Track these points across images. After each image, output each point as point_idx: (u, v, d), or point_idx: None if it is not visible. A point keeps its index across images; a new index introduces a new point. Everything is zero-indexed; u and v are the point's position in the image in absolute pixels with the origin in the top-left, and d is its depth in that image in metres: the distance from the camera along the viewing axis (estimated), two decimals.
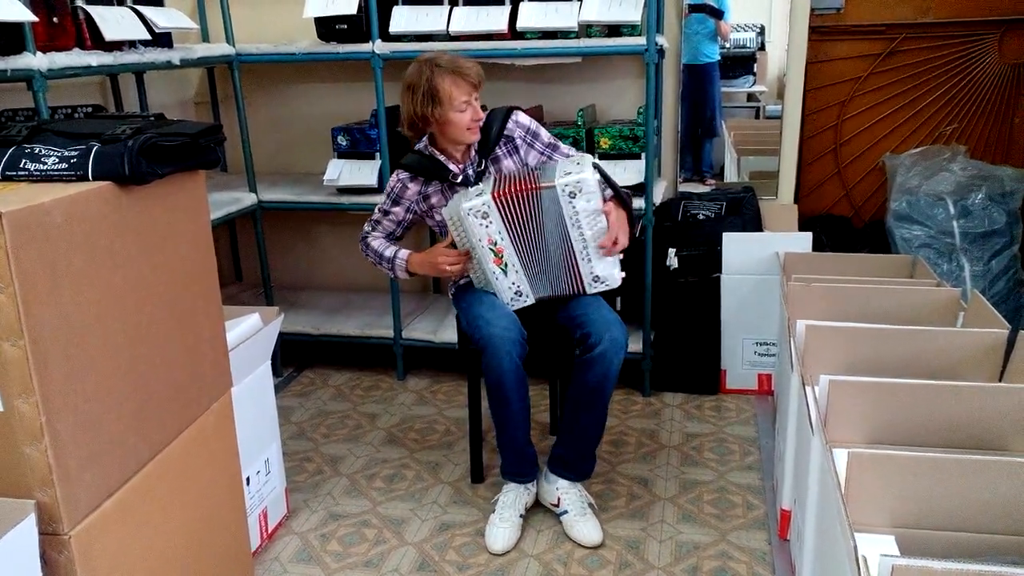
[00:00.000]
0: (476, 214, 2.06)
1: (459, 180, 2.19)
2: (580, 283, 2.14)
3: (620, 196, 2.13)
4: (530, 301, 2.17)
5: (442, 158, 2.19)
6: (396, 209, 2.28)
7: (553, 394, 2.69)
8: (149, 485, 1.53)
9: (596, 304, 2.14)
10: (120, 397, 1.44)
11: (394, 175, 2.26)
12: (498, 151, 2.22)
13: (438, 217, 2.23)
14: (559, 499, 2.20)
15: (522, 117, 2.23)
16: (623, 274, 2.15)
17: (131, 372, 1.47)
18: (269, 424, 2.19)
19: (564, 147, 2.26)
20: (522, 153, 2.23)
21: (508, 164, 2.22)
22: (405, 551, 2.15)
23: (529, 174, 2.11)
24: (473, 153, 2.20)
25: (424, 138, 2.23)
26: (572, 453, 2.19)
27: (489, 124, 2.19)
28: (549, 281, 2.16)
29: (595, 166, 2.08)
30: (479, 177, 2.19)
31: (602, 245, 2.07)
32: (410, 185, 2.24)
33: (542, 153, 2.24)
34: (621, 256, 2.15)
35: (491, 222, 2.07)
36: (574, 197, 2.03)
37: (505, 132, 2.20)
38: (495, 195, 2.05)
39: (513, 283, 2.14)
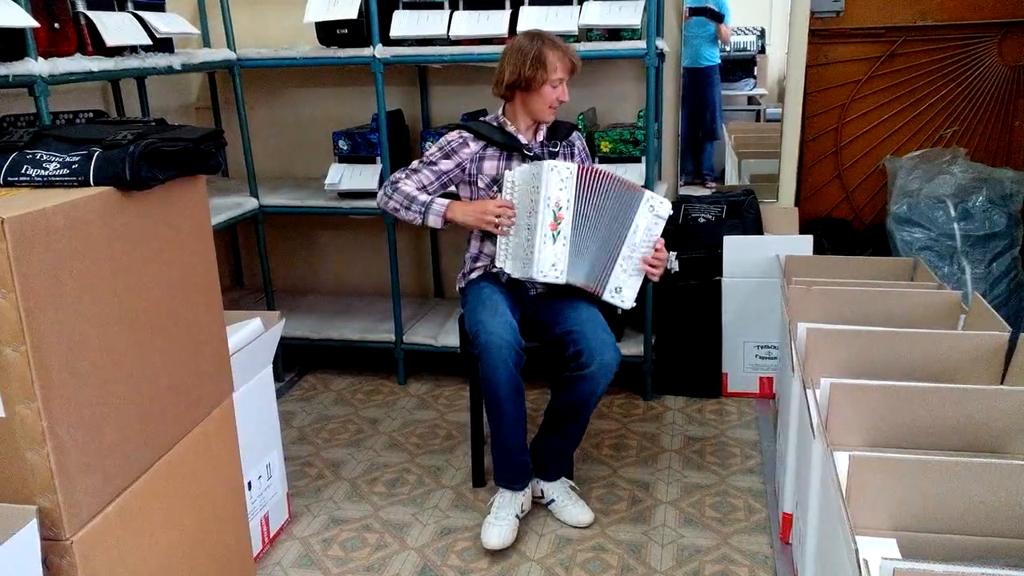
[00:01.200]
0: (559, 173, 2.10)
1: (531, 153, 2.26)
2: (604, 284, 2.16)
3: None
4: (560, 280, 2.14)
5: (512, 129, 2.27)
6: (445, 163, 2.27)
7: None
8: (151, 490, 1.53)
9: (593, 323, 2.14)
10: (122, 402, 1.44)
11: (455, 132, 2.29)
12: (561, 148, 2.32)
13: (481, 184, 2.26)
14: (542, 491, 2.28)
15: (580, 138, 2.40)
16: (635, 303, 2.20)
17: (132, 377, 1.47)
18: (270, 429, 2.19)
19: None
20: (577, 161, 2.33)
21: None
22: (407, 556, 2.14)
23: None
24: (542, 136, 2.30)
25: (492, 114, 2.32)
26: (549, 456, 2.26)
27: (556, 124, 2.32)
28: (588, 270, 2.16)
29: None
30: (552, 156, 2.27)
31: (644, 259, 2.15)
32: (471, 144, 2.27)
33: None
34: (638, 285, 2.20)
35: (566, 188, 2.11)
36: (652, 210, 2.15)
37: (570, 138, 2.36)
38: (580, 170, 2.13)
39: (555, 253, 2.12)
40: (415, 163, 2.29)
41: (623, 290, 2.17)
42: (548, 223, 2.11)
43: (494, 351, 2.04)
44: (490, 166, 2.26)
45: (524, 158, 2.25)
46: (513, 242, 2.18)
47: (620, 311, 2.22)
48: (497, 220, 2.17)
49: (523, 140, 2.26)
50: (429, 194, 2.26)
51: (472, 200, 2.28)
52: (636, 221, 2.14)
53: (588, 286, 2.16)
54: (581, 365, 2.08)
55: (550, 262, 2.12)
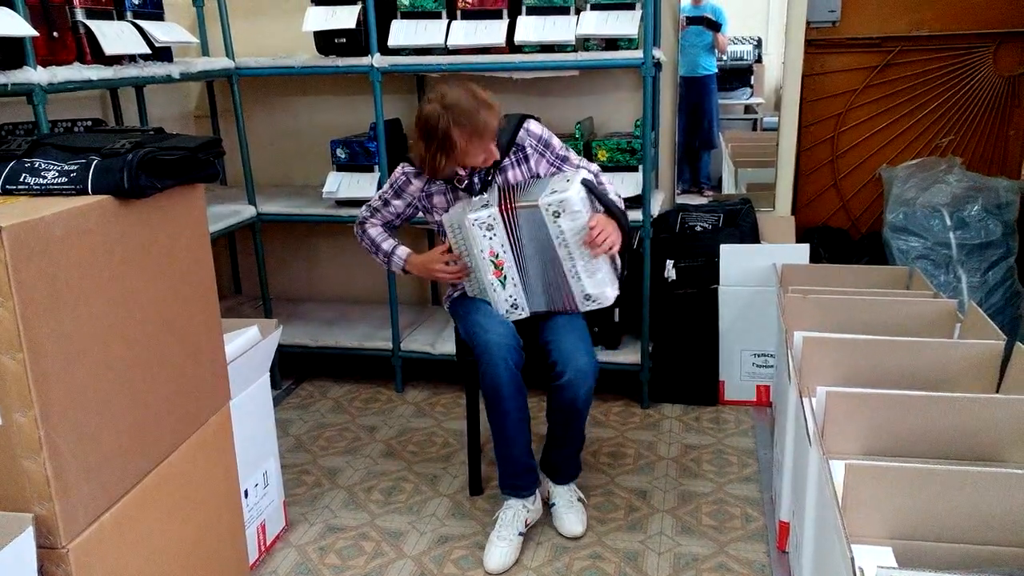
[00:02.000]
0: (481, 226, 2.07)
1: (464, 185, 2.17)
2: (573, 301, 2.15)
3: (612, 212, 2.09)
4: (525, 314, 2.17)
5: None
6: (396, 202, 2.26)
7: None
8: (147, 498, 1.53)
9: (567, 330, 2.13)
10: (119, 410, 1.44)
11: (399, 168, 2.24)
12: (507, 160, 2.17)
13: (438, 217, 2.23)
14: (549, 492, 2.28)
15: (533, 126, 2.19)
16: (617, 292, 2.14)
17: (130, 385, 1.47)
18: (267, 437, 2.19)
19: (574, 158, 2.22)
20: (532, 162, 2.19)
21: (515, 174, 2.19)
22: (403, 564, 2.14)
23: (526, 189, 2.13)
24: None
25: None
26: (556, 459, 2.26)
27: (499, 131, 2.13)
28: (545, 296, 2.16)
29: (585, 183, 2.07)
30: (484, 187, 2.17)
31: (586, 243, 2.03)
32: (414, 181, 2.22)
33: (551, 163, 2.21)
34: (618, 274, 2.16)
35: (495, 235, 2.08)
36: (558, 217, 2.02)
37: (516, 140, 2.17)
38: (502, 208, 2.06)
39: (511, 296, 2.15)
40: (376, 200, 2.29)
41: (592, 295, 2.11)
42: (491, 272, 2.12)
43: (494, 350, 2.04)
44: (439, 200, 2.22)
45: (457, 191, 2.19)
46: (474, 280, 2.19)
47: (618, 315, 2.22)
48: (446, 273, 2.19)
49: (459, 172, 2.14)
50: (395, 229, 2.33)
51: (436, 227, 2.28)
52: (553, 234, 2.04)
53: (562, 308, 2.16)
54: (557, 375, 2.08)
55: (508, 304, 2.15)
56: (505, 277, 2.12)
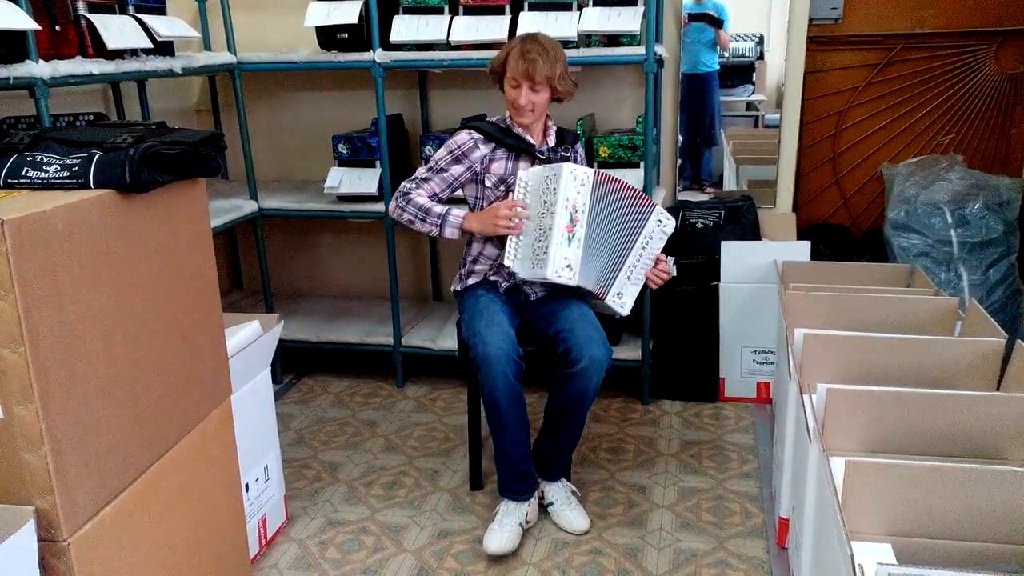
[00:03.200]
0: (576, 178, 2.11)
1: (543, 156, 2.26)
2: (608, 288, 2.18)
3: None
4: (573, 282, 2.14)
5: (520, 131, 2.25)
6: (456, 167, 2.25)
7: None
8: (148, 492, 1.54)
9: (582, 320, 2.15)
10: (120, 404, 1.44)
11: (464, 133, 2.25)
12: (571, 153, 2.33)
13: (488, 183, 2.25)
14: (543, 492, 2.28)
15: (581, 149, 2.41)
16: (630, 312, 2.23)
17: (131, 379, 1.47)
18: (268, 431, 2.19)
19: None
20: None
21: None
22: (403, 558, 2.15)
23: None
24: (552, 141, 2.29)
25: (506, 112, 2.28)
26: (550, 455, 2.26)
27: (563, 131, 2.35)
28: (595, 274, 2.17)
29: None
30: (562, 159, 2.27)
31: (647, 270, 2.19)
32: (481, 146, 2.25)
33: None
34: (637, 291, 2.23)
35: (582, 192, 2.12)
36: (660, 224, 2.19)
37: (575, 147, 2.36)
38: (598, 174, 2.14)
39: (569, 256, 2.12)
40: (422, 171, 2.27)
41: (624, 296, 2.20)
42: (564, 225, 2.11)
43: (492, 363, 2.05)
44: (498, 167, 2.26)
45: (535, 160, 2.26)
46: (523, 242, 2.18)
47: (618, 316, 2.23)
48: (511, 222, 2.17)
49: (532, 142, 2.26)
50: (442, 201, 2.27)
51: (476, 198, 2.29)
52: (645, 232, 2.18)
53: (596, 289, 2.18)
54: (571, 362, 2.09)
55: (565, 263, 2.12)
56: (574, 235, 2.13)
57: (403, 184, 2.27)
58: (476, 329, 2.12)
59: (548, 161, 2.25)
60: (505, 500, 2.21)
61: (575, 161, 2.33)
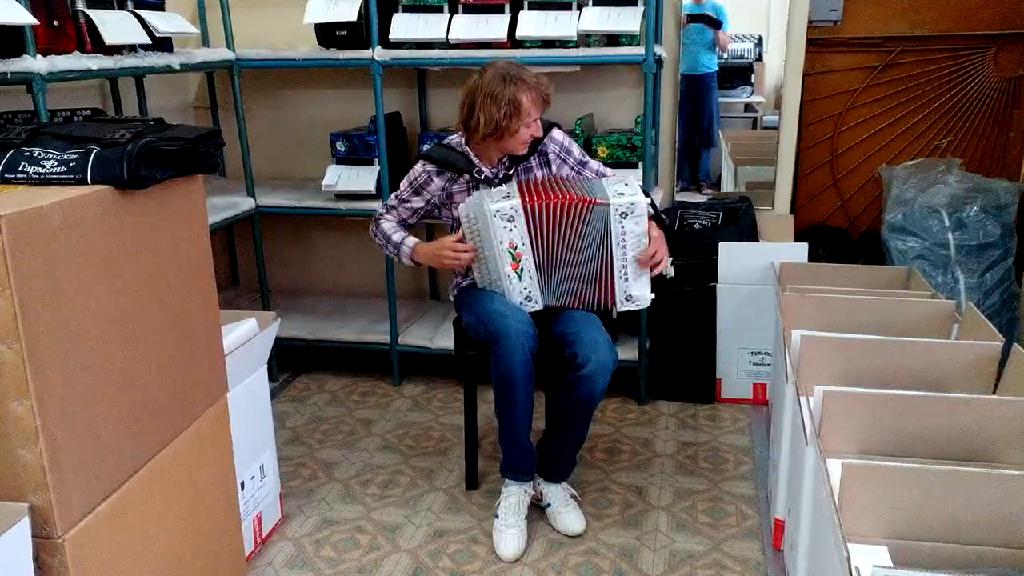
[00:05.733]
0: (502, 216, 2.08)
1: (483, 177, 2.21)
2: (611, 299, 2.17)
3: (660, 219, 2.21)
4: (538, 307, 2.18)
5: (475, 158, 2.22)
6: (415, 199, 2.29)
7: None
8: (144, 489, 1.53)
9: (587, 324, 2.15)
10: (116, 400, 1.44)
11: (419, 165, 2.27)
12: (531, 161, 2.26)
13: (455, 213, 2.24)
14: (542, 493, 2.28)
15: (557, 134, 2.28)
16: (653, 295, 2.20)
17: (127, 375, 1.47)
18: (264, 429, 2.19)
19: (593, 163, 2.32)
20: (554, 168, 2.28)
21: (537, 175, 2.27)
22: (399, 557, 2.14)
23: (558, 186, 2.16)
24: (506, 158, 2.23)
25: (458, 135, 2.24)
26: (554, 457, 2.25)
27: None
28: (570, 292, 2.18)
29: (642, 188, 2.14)
30: (505, 180, 2.23)
31: (640, 260, 2.12)
32: (435, 179, 2.25)
33: (572, 168, 2.29)
34: (652, 274, 2.19)
35: (515, 227, 2.09)
36: (625, 217, 2.08)
37: (540, 146, 2.25)
38: (525, 202, 2.08)
39: (525, 287, 2.15)
40: (393, 199, 2.33)
41: (635, 296, 2.18)
42: (509, 264, 2.12)
43: (512, 336, 2.04)
44: (460, 197, 2.24)
45: (479, 187, 2.20)
46: (485, 268, 2.19)
47: (616, 315, 2.23)
48: (455, 262, 2.19)
49: (484, 169, 2.20)
50: (409, 226, 2.34)
51: (452, 219, 2.29)
52: (614, 234, 2.10)
53: (586, 306, 2.18)
54: (577, 366, 2.08)
55: (523, 296, 2.17)
56: (522, 269, 2.13)
57: (377, 208, 2.37)
58: (492, 308, 2.12)
59: (488, 182, 2.20)
60: (507, 489, 2.21)
61: (547, 163, 2.26)
